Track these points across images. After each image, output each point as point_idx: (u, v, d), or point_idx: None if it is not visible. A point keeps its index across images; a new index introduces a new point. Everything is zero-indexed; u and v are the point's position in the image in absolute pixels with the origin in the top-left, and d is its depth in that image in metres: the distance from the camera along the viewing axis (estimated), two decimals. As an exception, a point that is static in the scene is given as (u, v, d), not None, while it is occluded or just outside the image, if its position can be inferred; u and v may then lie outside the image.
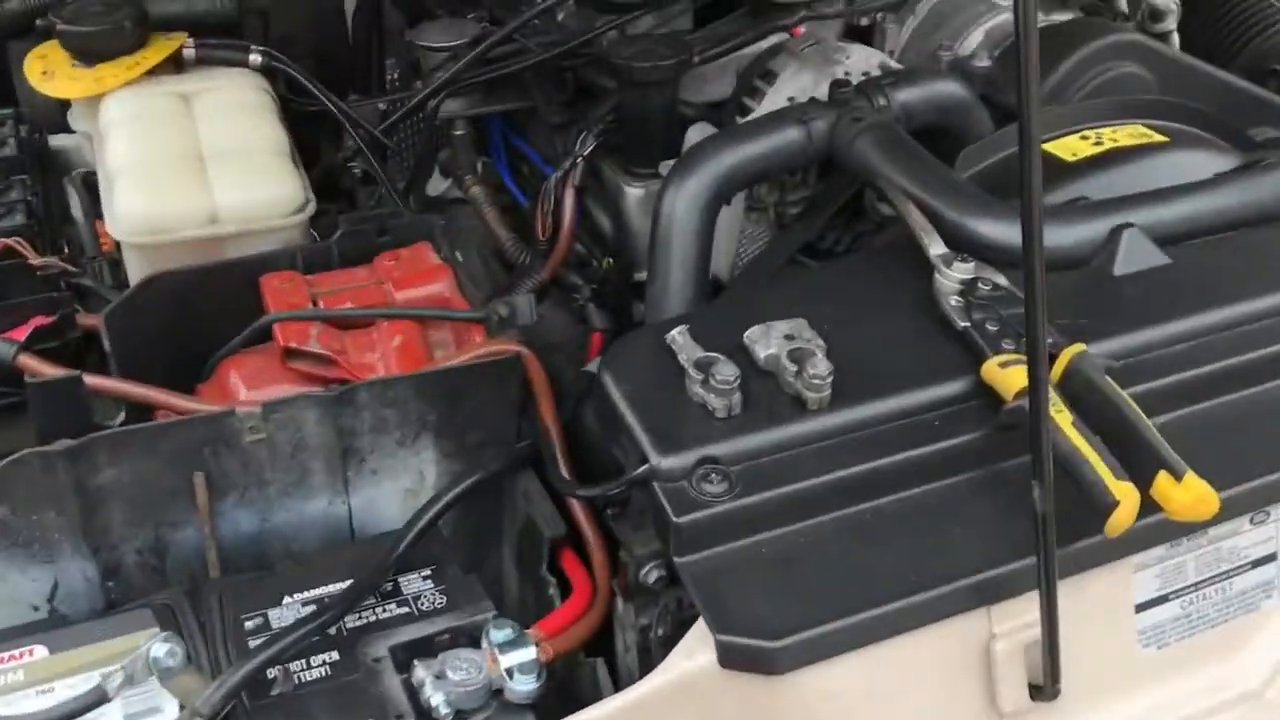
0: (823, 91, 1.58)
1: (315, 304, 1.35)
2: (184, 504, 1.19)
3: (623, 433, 1.11)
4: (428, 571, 1.20)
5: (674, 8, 1.84)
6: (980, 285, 1.19)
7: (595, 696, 1.14)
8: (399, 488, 1.29)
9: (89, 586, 1.19)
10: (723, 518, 1.03)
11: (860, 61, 1.68)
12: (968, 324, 1.16)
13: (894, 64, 1.72)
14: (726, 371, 1.08)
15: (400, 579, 1.19)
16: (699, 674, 0.99)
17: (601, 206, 1.75)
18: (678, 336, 1.15)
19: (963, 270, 1.19)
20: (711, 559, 1.03)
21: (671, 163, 1.61)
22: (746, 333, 1.15)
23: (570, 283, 1.72)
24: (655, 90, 1.67)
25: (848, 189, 1.57)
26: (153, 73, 1.56)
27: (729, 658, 0.97)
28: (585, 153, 1.70)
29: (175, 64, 1.61)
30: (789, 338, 1.14)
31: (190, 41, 1.61)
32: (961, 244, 1.22)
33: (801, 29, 1.78)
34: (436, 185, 1.96)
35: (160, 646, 1.02)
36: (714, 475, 1.05)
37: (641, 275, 1.69)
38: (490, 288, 1.52)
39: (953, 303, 1.18)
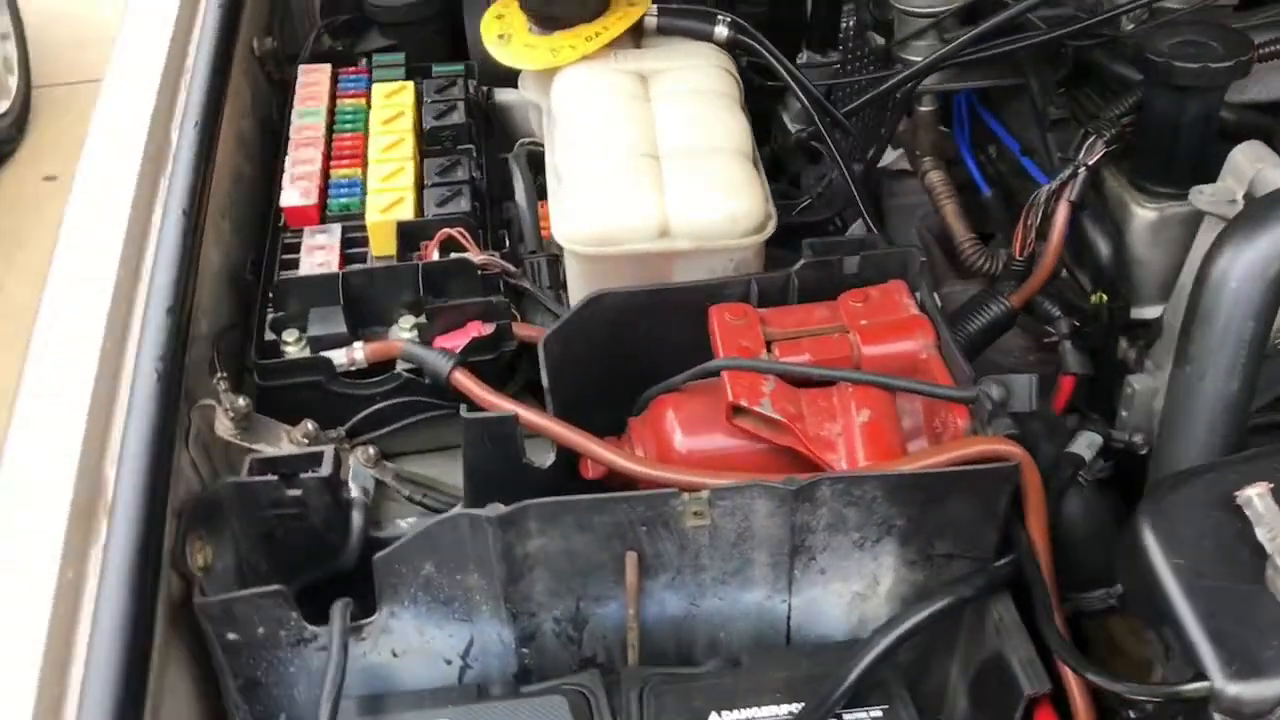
0: None
1: (769, 349, 1.16)
2: (610, 579, 1.05)
3: (1167, 622, 0.85)
4: (879, 712, 1.01)
5: (1217, -15, 1.46)
6: None
7: None
8: (848, 590, 1.09)
9: (503, 649, 1.09)
10: (1315, 787, 0.77)
11: None
12: None
13: None
14: (1342, 579, 0.80)
15: (846, 715, 1.00)
16: None
17: (1099, 226, 1.43)
18: (1256, 500, 0.87)
19: None
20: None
21: (1206, 190, 1.30)
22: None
23: (1045, 312, 1.45)
24: (1198, 96, 1.33)
25: None
26: (611, 44, 1.40)
27: None
28: (1091, 162, 1.39)
29: (635, 32, 1.44)
30: None
31: (654, 9, 1.43)
32: None
33: None
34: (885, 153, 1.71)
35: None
36: (1307, 722, 0.78)
37: (1142, 313, 1.40)
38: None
39: None
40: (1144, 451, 1.36)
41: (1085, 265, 1.45)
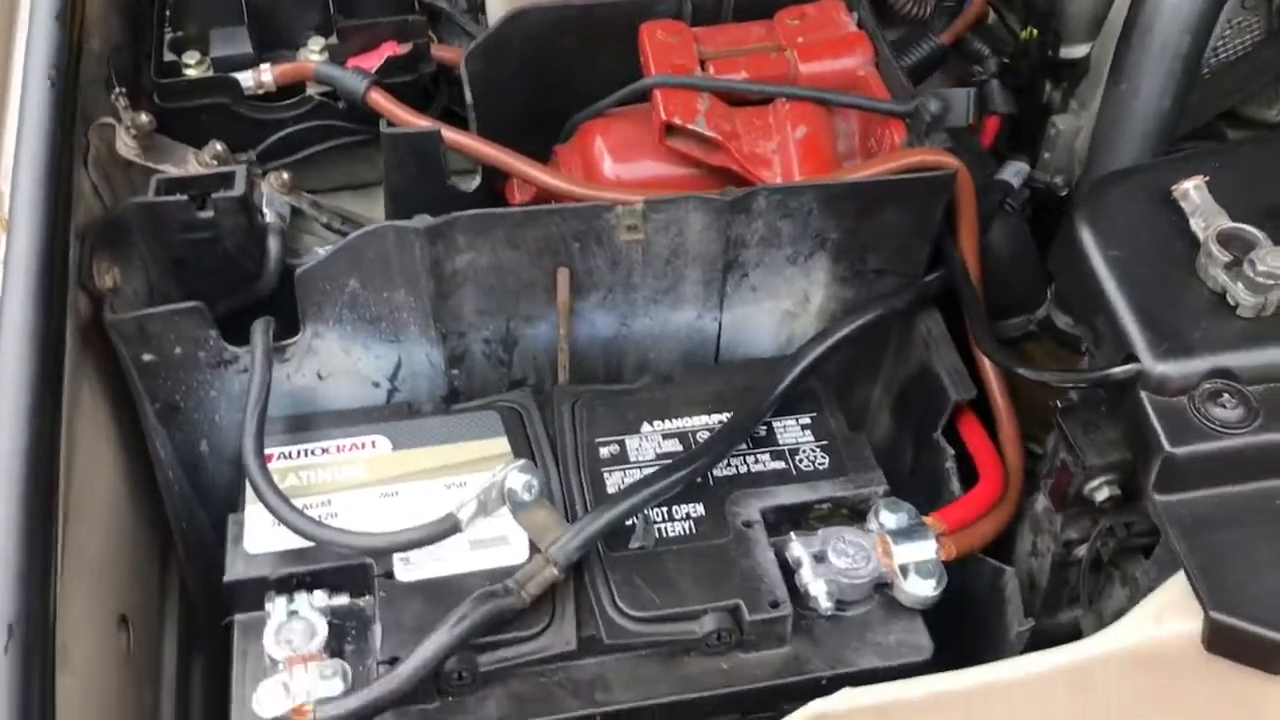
0: None
1: (704, 68, 1.11)
2: (541, 298, 1.03)
3: (1100, 310, 0.86)
4: (807, 419, 1.02)
5: None
6: None
7: (990, 607, 0.96)
8: (778, 308, 1.09)
9: (432, 372, 1.06)
10: (1232, 455, 0.79)
11: None
12: None
13: None
14: (1272, 260, 0.81)
15: (775, 423, 1.01)
16: (1166, 646, 0.78)
17: (1030, -42, 1.40)
18: (1193, 192, 0.87)
19: None
20: (1206, 505, 0.80)
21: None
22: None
23: (974, 50, 1.42)
24: None
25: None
26: None
27: (1221, 642, 0.75)
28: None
29: None
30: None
31: None
32: None
33: None
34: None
35: (517, 478, 0.89)
36: (1227, 396, 0.80)
37: (1070, 52, 1.38)
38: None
39: None
40: (1063, 193, 1.38)
41: (1015, 8, 1.43)
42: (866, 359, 1.16)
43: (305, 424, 1.01)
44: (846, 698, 0.79)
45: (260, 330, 0.98)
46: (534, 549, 0.90)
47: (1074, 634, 0.99)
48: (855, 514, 0.97)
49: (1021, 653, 0.92)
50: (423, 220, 0.96)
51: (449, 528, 0.87)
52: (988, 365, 1.05)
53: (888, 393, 1.17)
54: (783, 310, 1.09)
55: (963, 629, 0.98)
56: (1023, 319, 1.18)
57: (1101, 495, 0.89)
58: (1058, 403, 0.91)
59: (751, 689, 0.88)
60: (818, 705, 0.78)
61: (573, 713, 0.86)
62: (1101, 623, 0.96)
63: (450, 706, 0.86)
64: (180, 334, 0.99)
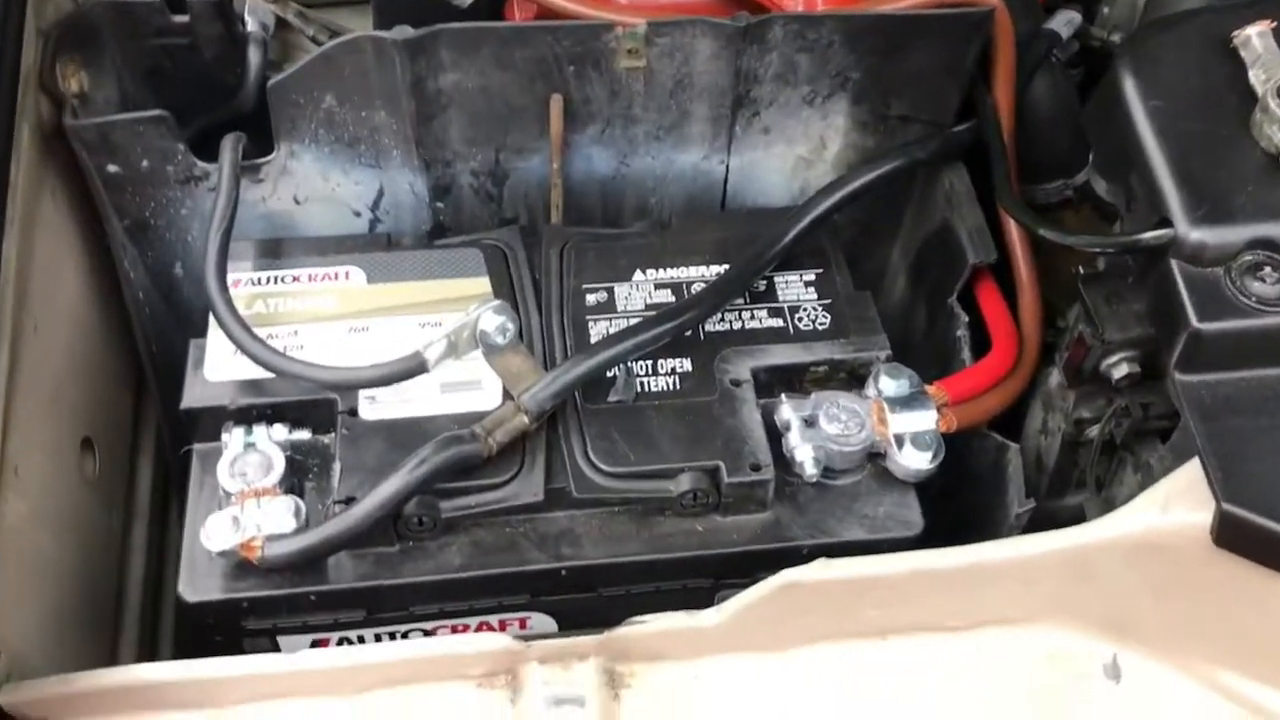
0: None
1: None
2: (533, 128, 0.95)
3: (1135, 167, 0.78)
4: (812, 275, 0.95)
5: None
6: None
7: (991, 485, 0.91)
8: (792, 153, 1.01)
9: (415, 202, 1.00)
10: (1268, 335, 0.72)
11: None
12: None
13: None
14: (1335, 119, 0.72)
15: (777, 278, 0.94)
16: (1170, 537, 0.72)
17: None
18: (1256, 39, 0.77)
19: None
20: (1231, 388, 0.73)
21: None
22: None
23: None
24: None
25: None
26: None
27: (1230, 535, 0.69)
28: None
29: None
30: None
31: None
32: None
33: None
34: None
35: (491, 319, 0.83)
36: (1269, 269, 0.72)
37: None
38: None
39: None
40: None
41: None
42: (885, 216, 1.08)
43: (277, 249, 0.95)
44: (820, 568, 0.74)
45: (229, 146, 0.92)
46: (507, 395, 0.85)
47: (1078, 519, 0.94)
48: (854, 378, 0.91)
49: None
50: (402, 32, 0.88)
51: (415, 366, 0.82)
52: (1013, 228, 0.97)
53: (906, 254, 1.09)
54: (796, 156, 1.01)
55: (960, 507, 0.93)
56: (1060, 184, 1.09)
57: (1119, 372, 0.82)
58: (1079, 269, 0.84)
59: (726, 553, 0.83)
60: (790, 574, 0.74)
61: (537, 565, 0.82)
62: (1110, 509, 0.90)
63: (409, 551, 0.82)
64: (146, 145, 0.93)
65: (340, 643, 0.86)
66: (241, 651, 0.84)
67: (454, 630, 0.87)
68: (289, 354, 0.85)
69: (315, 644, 0.85)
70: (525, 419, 0.82)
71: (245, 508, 0.79)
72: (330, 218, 1.00)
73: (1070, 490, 0.95)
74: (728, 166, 1.00)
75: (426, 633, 0.87)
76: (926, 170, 1.00)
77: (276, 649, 0.85)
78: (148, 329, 1.02)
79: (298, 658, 0.77)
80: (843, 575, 0.74)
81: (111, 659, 0.95)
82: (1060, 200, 1.11)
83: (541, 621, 0.88)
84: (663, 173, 1.00)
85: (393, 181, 0.98)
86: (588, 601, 0.86)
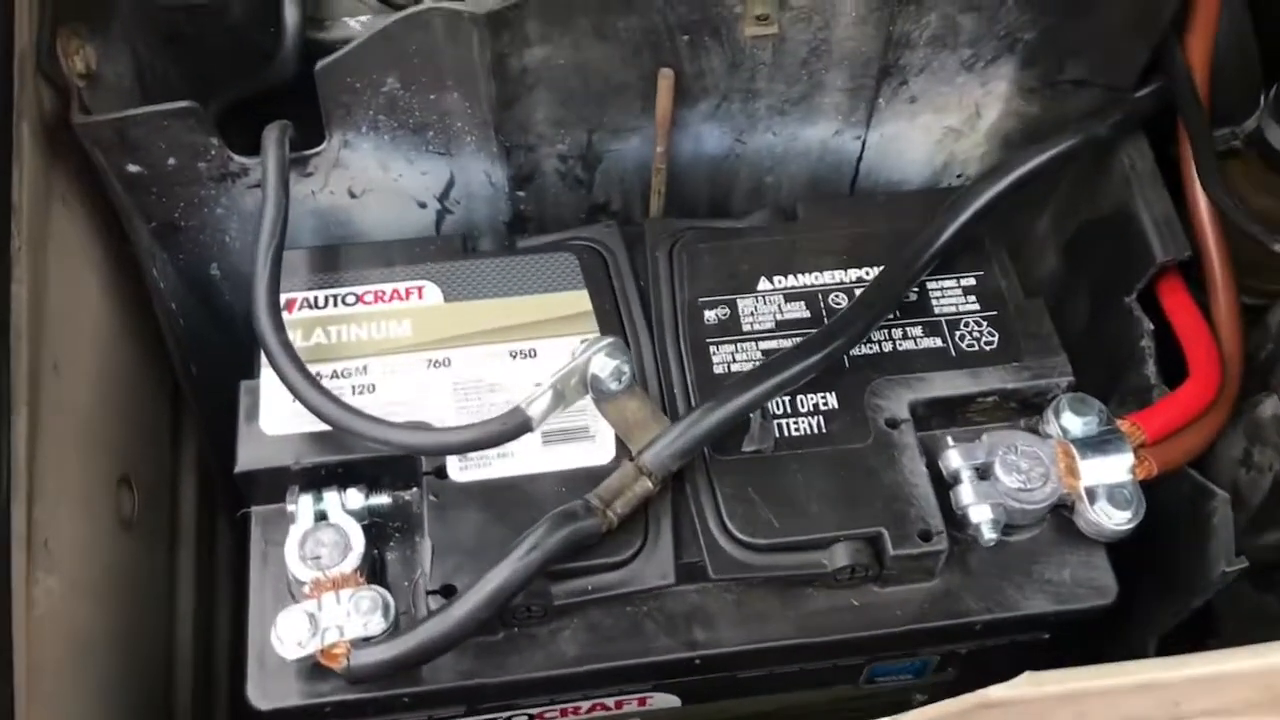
0: None
1: None
2: (635, 105, 0.79)
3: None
4: (972, 280, 0.80)
5: None
6: None
7: (1187, 531, 0.77)
8: (938, 125, 0.84)
9: (493, 193, 0.84)
10: None
11: None
12: None
13: None
14: None
15: (930, 284, 0.79)
16: None
17: None
18: None
19: None
20: None
21: None
22: None
23: None
24: None
25: None
26: None
27: None
28: None
29: None
30: None
31: None
32: None
33: None
34: None
35: (604, 362, 0.69)
36: None
37: None
38: None
39: None
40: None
41: None
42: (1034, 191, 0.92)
43: (335, 259, 0.80)
44: (1028, 685, 0.61)
45: (274, 140, 0.76)
46: (621, 447, 0.71)
47: (1276, 558, 0.81)
48: (1026, 407, 0.76)
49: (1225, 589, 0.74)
50: (481, 3, 0.71)
51: (517, 426, 0.67)
52: (1205, 216, 0.81)
53: (1059, 229, 0.93)
54: (944, 127, 0.85)
55: (1145, 551, 0.79)
56: (1227, 131, 0.93)
57: (1368, 423, 0.68)
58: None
59: (887, 634, 0.71)
60: (992, 693, 0.61)
61: (666, 655, 0.70)
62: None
63: (515, 640, 0.69)
64: (172, 141, 0.77)
65: (434, 730, 0.74)
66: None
67: (561, 713, 0.75)
68: (360, 409, 0.70)
69: (406, 733, 0.74)
70: (649, 483, 0.69)
71: (323, 604, 0.67)
72: (392, 210, 0.85)
73: (1270, 529, 0.81)
74: (864, 142, 0.84)
75: (531, 717, 0.75)
76: (1106, 147, 0.84)
77: (361, 739, 0.73)
78: (182, 340, 0.88)
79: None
80: (1056, 692, 0.61)
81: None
82: (1226, 150, 0.95)
83: (664, 699, 0.76)
84: (785, 150, 0.84)
85: (465, 170, 0.82)
86: (719, 680, 0.74)
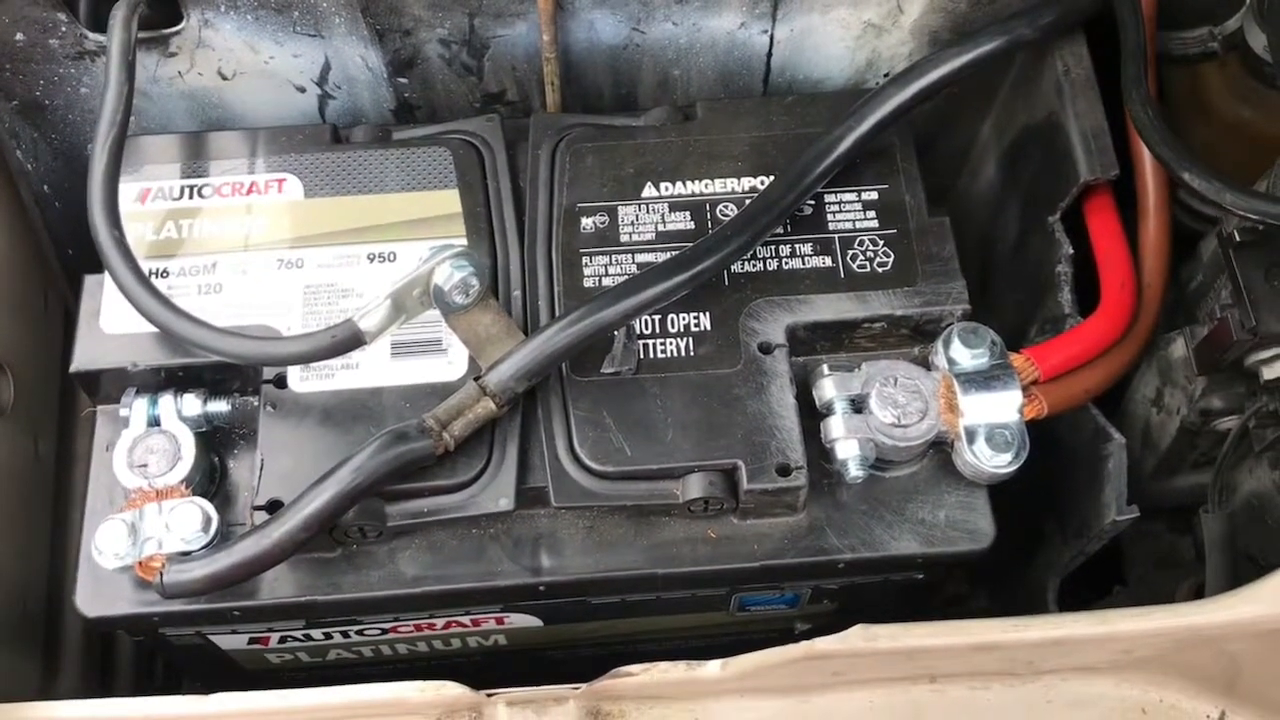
0: None
1: None
2: (517, -12, 0.73)
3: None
4: (874, 193, 0.73)
5: None
6: None
7: (1083, 471, 0.72)
8: (856, 19, 0.77)
9: (373, 78, 0.79)
10: None
11: None
12: None
13: None
14: None
15: (828, 196, 0.73)
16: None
17: None
18: None
19: None
20: None
21: None
22: None
23: None
24: None
25: None
26: None
27: None
28: None
29: None
30: None
31: None
32: None
33: None
34: None
35: (449, 273, 0.64)
36: None
37: None
38: None
39: None
40: None
41: None
42: (976, 94, 0.85)
43: (197, 147, 0.75)
44: (860, 638, 0.58)
45: (119, 20, 0.70)
46: (474, 363, 0.67)
47: (1193, 501, 0.76)
48: (919, 334, 0.71)
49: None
50: (330, -128, 0.65)
51: (346, 339, 0.64)
52: (1141, 143, 0.74)
53: (999, 135, 0.86)
54: (863, 22, 0.77)
55: (1040, 485, 0.74)
56: (1204, 31, 0.85)
57: (1272, 373, 0.62)
58: (1235, 234, 0.62)
59: (744, 568, 0.67)
60: (819, 645, 0.57)
61: (508, 580, 0.67)
62: (1234, 497, 0.72)
63: (354, 559, 0.67)
64: (15, 15, 0.72)
65: (283, 639, 0.73)
66: (170, 647, 0.71)
67: (416, 628, 0.73)
68: (188, 311, 0.66)
69: (254, 640, 0.72)
70: (492, 405, 0.65)
71: (145, 514, 0.64)
72: (269, 93, 0.80)
73: (1185, 470, 0.76)
74: (771, 36, 0.77)
75: (384, 630, 0.73)
76: (1038, 47, 0.76)
77: (210, 645, 0.72)
78: (55, 225, 0.84)
79: (231, 701, 0.63)
80: (889, 647, 0.57)
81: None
82: (1202, 53, 0.86)
83: (522, 620, 0.73)
84: (688, 42, 0.78)
85: (339, 53, 0.77)
86: (572, 605, 0.71)
